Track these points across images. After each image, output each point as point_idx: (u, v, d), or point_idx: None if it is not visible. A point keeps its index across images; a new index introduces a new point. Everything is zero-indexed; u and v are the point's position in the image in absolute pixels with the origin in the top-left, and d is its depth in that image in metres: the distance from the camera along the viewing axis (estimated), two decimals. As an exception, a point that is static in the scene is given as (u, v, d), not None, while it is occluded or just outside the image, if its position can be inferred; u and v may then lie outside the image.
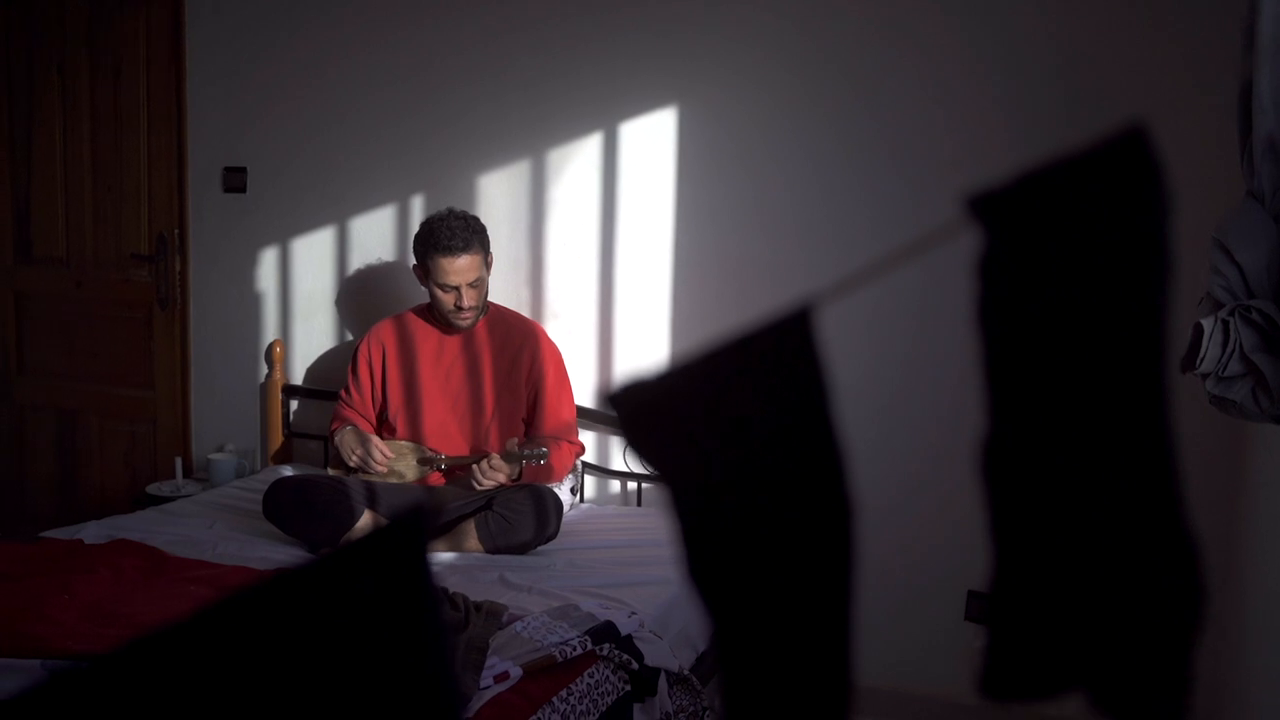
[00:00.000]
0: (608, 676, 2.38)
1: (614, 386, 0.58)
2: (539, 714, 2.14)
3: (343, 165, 3.79)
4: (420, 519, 0.57)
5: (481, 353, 3.30)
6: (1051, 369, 0.54)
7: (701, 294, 3.37)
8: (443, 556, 2.93)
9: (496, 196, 3.60)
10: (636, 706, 2.44)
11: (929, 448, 3.04)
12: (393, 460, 3.23)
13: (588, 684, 2.31)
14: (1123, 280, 0.52)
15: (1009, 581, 0.57)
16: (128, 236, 4.12)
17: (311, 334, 3.92)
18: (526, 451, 3.06)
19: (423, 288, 3.29)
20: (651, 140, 3.39)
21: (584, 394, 3.42)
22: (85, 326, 4.24)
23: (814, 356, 0.56)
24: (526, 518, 2.98)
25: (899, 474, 3.12)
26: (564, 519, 3.10)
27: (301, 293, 3.91)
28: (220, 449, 3.96)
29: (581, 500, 3.53)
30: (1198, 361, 1.91)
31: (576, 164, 3.50)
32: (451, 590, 2.52)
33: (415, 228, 3.33)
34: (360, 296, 3.83)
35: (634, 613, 2.56)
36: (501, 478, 3.10)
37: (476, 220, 3.26)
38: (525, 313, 3.52)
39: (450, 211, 3.24)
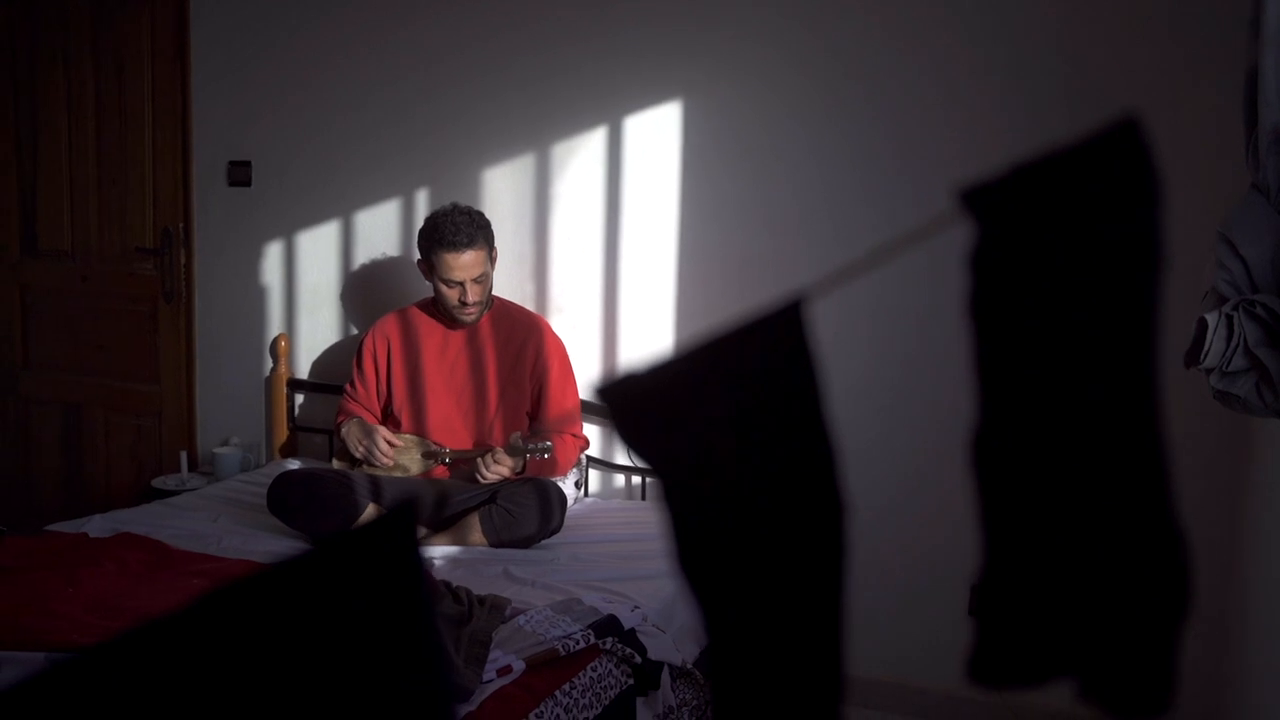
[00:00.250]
0: (610, 670, 2.38)
1: (604, 380, 0.58)
2: (541, 707, 2.14)
3: (347, 160, 3.79)
4: (412, 511, 0.57)
5: (486, 347, 3.31)
6: (1043, 362, 0.54)
7: (705, 289, 3.37)
8: (447, 550, 2.93)
9: (501, 191, 3.60)
10: (639, 700, 2.45)
11: (933, 442, 3.04)
12: (397, 454, 3.23)
13: (590, 678, 2.31)
14: (1115, 273, 0.52)
15: (999, 571, 0.56)
16: (133, 230, 4.12)
17: (316, 328, 3.92)
18: (531, 446, 3.06)
19: (427, 282, 3.29)
20: (656, 135, 3.39)
21: (588, 388, 3.43)
22: (91, 320, 4.25)
23: (806, 350, 0.56)
24: (530, 511, 2.98)
25: (903, 469, 3.13)
26: (568, 513, 3.10)
27: (306, 287, 3.91)
28: (225, 443, 3.97)
29: (585, 494, 3.53)
30: (1202, 356, 1.90)
31: (581, 158, 3.49)
32: (455, 583, 2.52)
33: (420, 222, 3.33)
34: (365, 291, 3.83)
35: (637, 606, 2.56)
36: (505, 472, 3.11)
37: (481, 215, 3.26)
38: (530, 307, 3.52)
39: (455, 207, 3.24)
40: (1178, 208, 2.25)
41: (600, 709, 2.31)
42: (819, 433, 0.56)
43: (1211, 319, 1.89)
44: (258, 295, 3.98)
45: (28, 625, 2.27)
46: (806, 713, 0.59)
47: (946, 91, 3.05)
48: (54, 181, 4.25)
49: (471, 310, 3.22)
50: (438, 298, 3.26)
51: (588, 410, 3.41)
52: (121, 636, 0.56)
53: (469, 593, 2.47)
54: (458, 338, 3.32)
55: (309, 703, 0.55)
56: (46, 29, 4.19)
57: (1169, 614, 0.54)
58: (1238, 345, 1.89)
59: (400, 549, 0.55)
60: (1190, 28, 2.81)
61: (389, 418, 3.36)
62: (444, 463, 3.24)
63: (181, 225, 4.04)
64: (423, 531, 3.05)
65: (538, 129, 3.54)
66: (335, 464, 3.35)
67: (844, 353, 3.15)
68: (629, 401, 0.57)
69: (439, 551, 2.92)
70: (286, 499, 3.02)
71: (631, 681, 2.43)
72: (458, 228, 3.15)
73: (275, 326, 3.96)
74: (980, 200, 0.52)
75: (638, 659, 2.42)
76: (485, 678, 2.13)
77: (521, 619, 2.40)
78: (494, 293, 3.36)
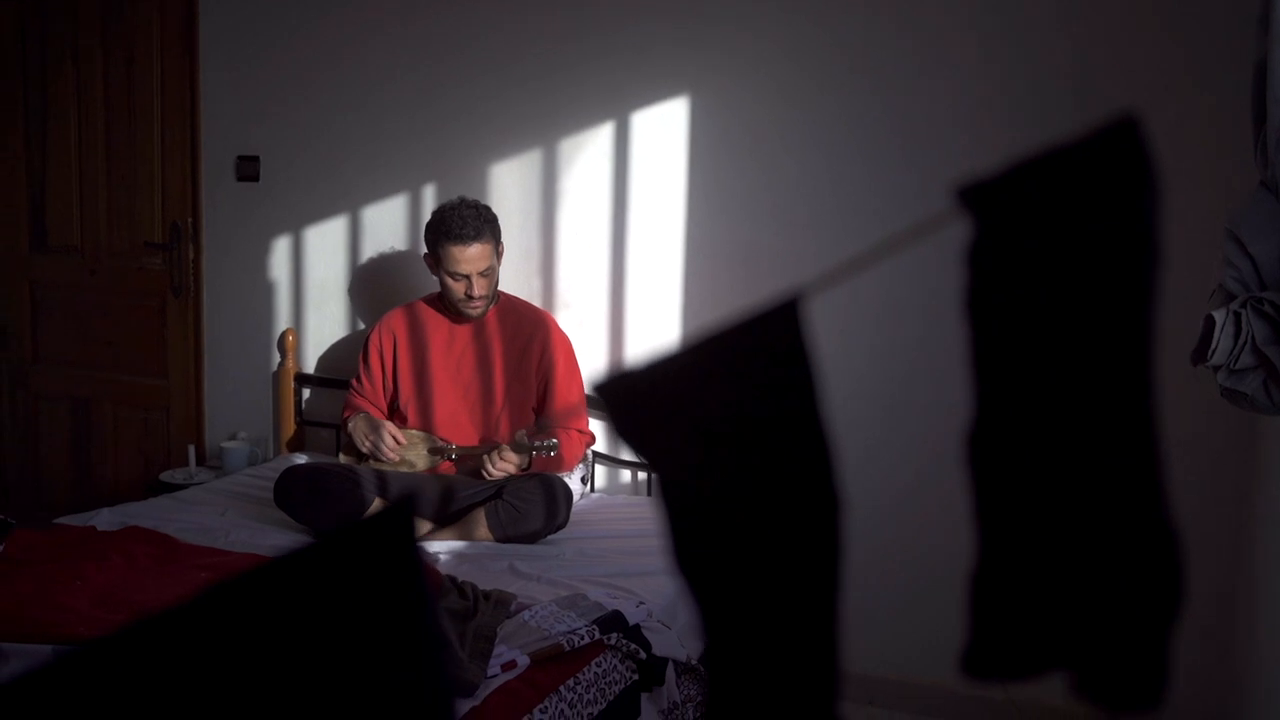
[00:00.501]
0: (615, 666, 2.38)
1: (601, 377, 0.58)
2: (546, 703, 2.14)
3: (355, 155, 3.80)
4: (412, 505, 0.57)
5: (492, 342, 3.31)
6: (1039, 358, 0.54)
7: (712, 284, 3.36)
8: (453, 545, 2.94)
9: (508, 186, 3.60)
10: (644, 696, 2.45)
11: (934, 438, 3.04)
12: (404, 449, 3.23)
13: (595, 673, 2.31)
14: (1112, 270, 0.52)
15: (993, 565, 0.56)
16: (142, 225, 4.13)
17: (324, 323, 3.93)
18: (537, 443, 3.06)
19: (434, 277, 3.29)
20: (663, 130, 3.39)
21: (592, 384, 3.42)
22: (100, 315, 4.26)
23: (802, 346, 0.56)
24: (536, 507, 2.98)
25: (909, 465, 3.12)
26: (574, 508, 3.10)
27: (314, 281, 3.92)
28: (233, 437, 3.98)
29: (592, 490, 3.53)
30: (1209, 354, 1.90)
31: (588, 153, 3.49)
32: (460, 579, 2.53)
33: (427, 217, 3.33)
34: (372, 285, 3.84)
35: (642, 602, 2.56)
36: (511, 468, 3.11)
37: (488, 209, 3.26)
38: (536, 302, 3.52)
39: (462, 200, 3.24)
40: (1184, 205, 2.25)
41: (605, 704, 2.31)
42: (815, 429, 0.56)
43: (1219, 316, 1.88)
44: (265, 290, 3.98)
45: (35, 618, 2.28)
46: (803, 708, 0.59)
47: (954, 86, 3.04)
48: (63, 176, 4.26)
49: (477, 304, 3.22)
50: (444, 292, 3.26)
51: (593, 406, 3.41)
52: (121, 630, 0.56)
53: (474, 588, 2.48)
54: (464, 332, 3.33)
55: (307, 696, 0.55)
56: (56, 24, 4.20)
57: (1162, 609, 0.54)
58: (1245, 343, 1.88)
59: (398, 543, 0.55)
60: (1198, 23, 2.80)
61: (395, 413, 3.36)
62: (450, 458, 3.24)
63: (190, 220, 4.05)
64: (429, 526, 3.06)
65: (545, 124, 3.54)
66: (342, 459, 3.36)
67: (849, 349, 3.15)
68: (626, 398, 0.57)
69: (445, 546, 2.92)
70: (293, 493, 3.02)
71: (636, 677, 2.43)
72: (464, 221, 3.15)
73: (283, 321, 3.97)
74: (978, 197, 0.52)
75: (642, 654, 2.42)
76: (490, 672, 2.13)
77: (526, 614, 2.40)
78: (500, 288, 3.36)
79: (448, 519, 3.05)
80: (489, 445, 3.16)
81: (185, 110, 4.01)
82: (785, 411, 0.57)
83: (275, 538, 2.94)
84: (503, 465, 3.09)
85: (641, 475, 3.52)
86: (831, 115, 3.20)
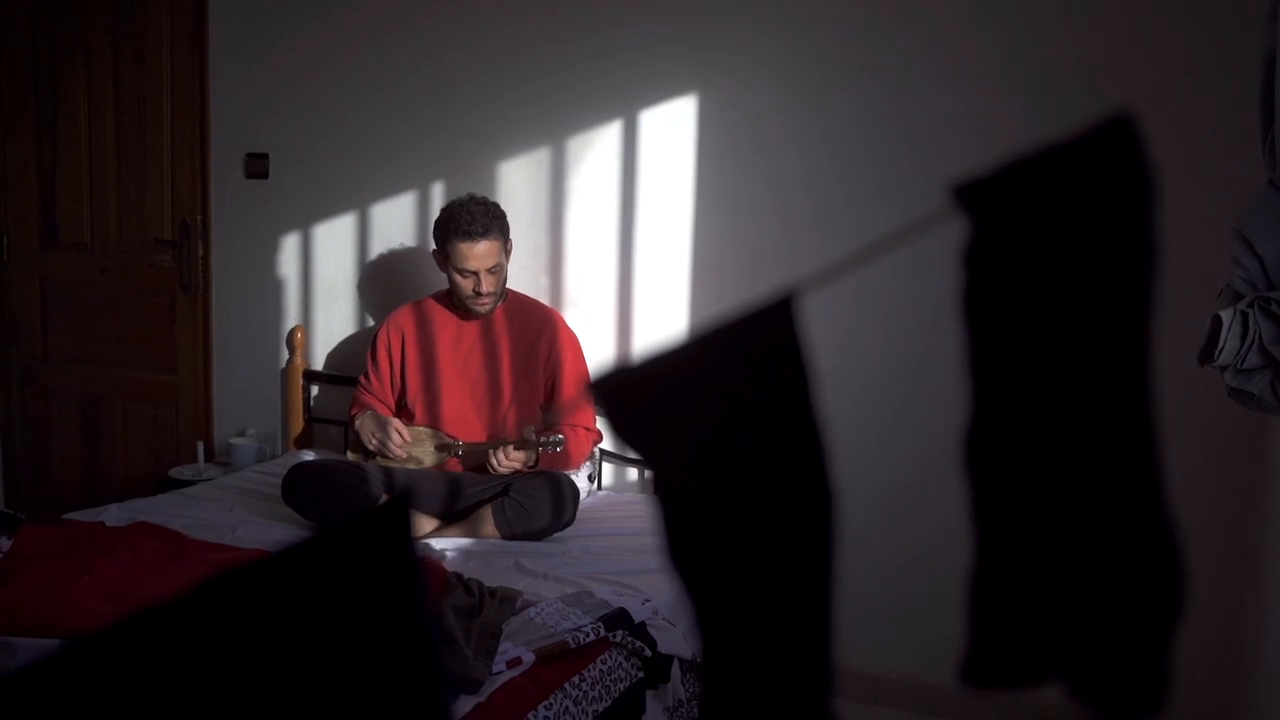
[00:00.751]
0: (620, 663, 2.38)
1: (597, 374, 0.58)
2: (551, 699, 2.15)
3: (364, 152, 3.80)
4: (409, 500, 0.58)
5: (500, 339, 3.31)
6: (1036, 359, 0.54)
7: (720, 282, 3.36)
8: (459, 542, 2.94)
9: (516, 184, 3.60)
10: (649, 694, 2.45)
11: (935, 438, 3.03)
12: (411, 446, 3.24)
13: (600, 670, 2.31)
14: (1108, 269, 0.52)
15: (991, 568, 0.56)
16: (151, 222, 4.14)
17: (332, 319, 3.94)
18: (543, 440, 3.07)
19: (442, 274, 3.30)
20: (671, 128, 3.39)
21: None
22: (109, 311, 4.27)
23: (796, 343, 0.56)
24: (543, 504, 2.98)
25: (914, 461, 3.12)
26: (581, 506, 3.10)
27: (323, 278, 3.93)
28: (242, 433, 3.99)
29: (599, 487, 3.53)
30: (1216, 354, 1.89)
31: (596, 152, 3.49)
32: (466, 575, 2.53)
33: (436, 214, 3.33)
34: (381, 282, 3.84)
35: (648, 600, 2.56)
36: (517, 465, 3.11)
37: (497, 206, 3.26)
38: (544, 300, 3.52)
39: (471, 197, 3.25)
40: (1191, 204, 2.25)
41: (610, 702, 2.31)
42: (809, 425, 0.56)
43: (1226, 316, 1.87)
44: (274, 287, 3.99)
45: (44, 613, 2.29)
46: (797, 703, 0.59)
47: (961, 85, 3.04)
48: (73, 174, 4.28)
49: (486, 301, 3.23)
50: (452, 288, 3.27)
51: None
52: (119, 623, 0.56)
53: (480, 584, 2.48)
54: (472, 329, 3.33)
55: (304, 689, 0.55)
56: (67, 22, 4.21)
57: (1161, 615, 0.54)
58: (1253, 342, 1.88)
59: (395, 537, 0.55)
60: (1204, 21, 2.79)
61: (403, 410, 3.37)
62: (457, 455, 3.24)
63: (199, 217, 4.06)
64: (436, 523, 3.06)
65: (553, 122, 3.54)
66: (350, 456, 3.36)
67: (852, 348, 3.15)
68: (621, 394, 0.57)
69: (451, 544, 2.93)
70: (300, 490, 3.03)
71: (642, 675, 2.43)
72: (473, 217, 3.15)
73: (292, 318, 3.97)
74: (974, 195, 0.52)
75: (648, 652, 2.42)
76: (495, 669, 2.14)
77: (532, 611, 2.40)
78: (509, 285, 3.37)
79: (454, 516, 3.06)
80: (496, 441, 3.17)
81: (195, 108, 4.02)
82: (780, 407, 0.57)
83: (282, 534, 2.95)
84: (509, 462, 3.10)
85: (649, 473, 3.52)
86: (839, 114, 3.19)
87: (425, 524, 3.05)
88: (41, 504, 4.18)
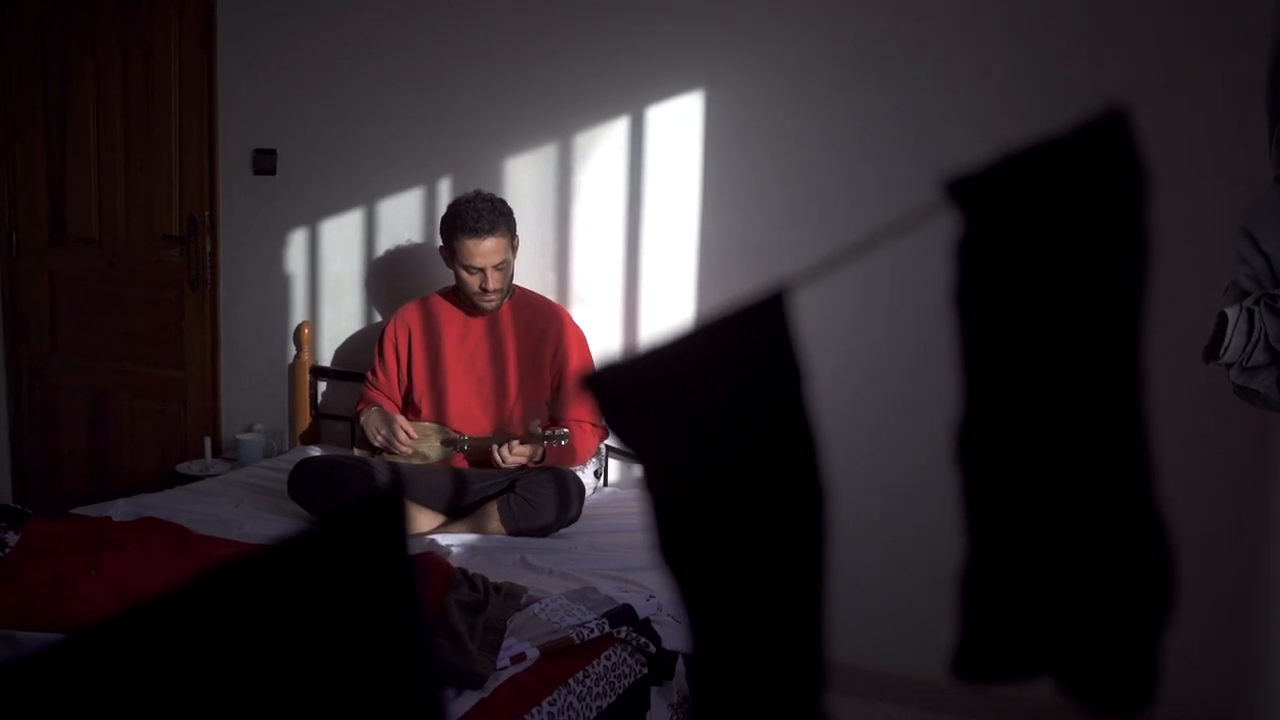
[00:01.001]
0: (625, 659, 2.38)
1: (588, 369, 0.58)
2: (555, 695, 2.15)
3: (371, 148, 3.81)
4: (402, 494, 0.58)
5: (506, 336, 3.32)
6: (1028, 354, 0.54)
7: (727, 279, 3.36)
8: (465, 538, 2.95)
9: (523, 180, 3.60)
10: (654, 690, 2.45)
11: (945, 433, 3.03)
12: (417, 441, 3.24)
13: (604, 666, 2.32)
14: (1101, 265, 0.52)
15: (982, 563, 0.56)
16: (159, 218, 4.16)
17: (339, 316, 3.94)
18: (549, 433, 3.07)
19: (449, 270, 3.30)
20: (678, 124, 3.39)
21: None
22: (117, 307, 4.29)
23: (789, 338, 0.56)
24: (548, 500, 2.99)
25: (915, 460, 3.11)
26: (586, 502, 3.11)
27: (330, 274, 3.94)
28: (249, 429, 4.00)
29: (605, 483, 3.54)
30: (1221, 351, 1.89)
31: (603, 148, 3.49)
32: (471, 571, 2.53)
33: (443, 210, 3.33)
34: (388, 278, 3.85)
35: (652, 596, 2.56)
36: (522, 459, 3.12)
37: (503, 203, 3.27)
38: (551, 296, 3.52)
39: (477, 194, 3.25)
40: (1197, 201, 2.23)
41: (614, 698, 2.31)
42: (801, 421, 0.57)
43: (1232, 314, 1.87)
44: (282, 283, 4.00)
45: (50, 608, 2.30)
46: (788, 699, 0.60)
47: (969, 81, 3.03)
48: (82, 169, 4.29)
49: (492, 297, 3.23)
50: (459, 285, 3.27)
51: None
52: (114, 617, 0.57)
53: (485, 580, 2.48)
54: (478, 326, 3.34)
55: (292, 686, 0.55)
56: (75, 19, 4.23)
57: (1152, 610, 0.54)
58: (1258, 340, 1.87)
59: (386, 530, 0.55)
60: (1209, 18, 2.78)
61: (410, 406, 3.37)
62: (463, 450, 3.25)
63: (207, 213, 4.07)
64: (441, 519, 3.07)
65: (560, 119, 3.54)
66: (356, 451, 3.37)
67: (848, 344, 3.15)
68: (613, 388, 0.57)
69: (457, 539, 2.93)
70: (306, 485, 3.04)
71: (646, 671, 2.43)
72: (480, 214, 3.16)
73: (299, 314, 3.98)
74: (966, 191, 0.52)
75: (652, 648, 2.43)
76: (499, 665, 2.13)
77: (536, 607, 2.41)
78: (515, 282, 3.37)
79: (460, 512, 3.06)
80: (502, 436, 3.17)
81: (202, 104, 4.03)
82: (771, 403, 0.57)
83: (288, 529, 2.95)
84: (513, 458, 3.10)
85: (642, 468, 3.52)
86: (846, 110, 3.19)
87: (431, 520, 3.06)
88: (49, 499, 4.20)
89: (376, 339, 3.49)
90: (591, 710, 2.23)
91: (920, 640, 3.13)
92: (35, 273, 4.44)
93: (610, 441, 3.50)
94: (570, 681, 2.21)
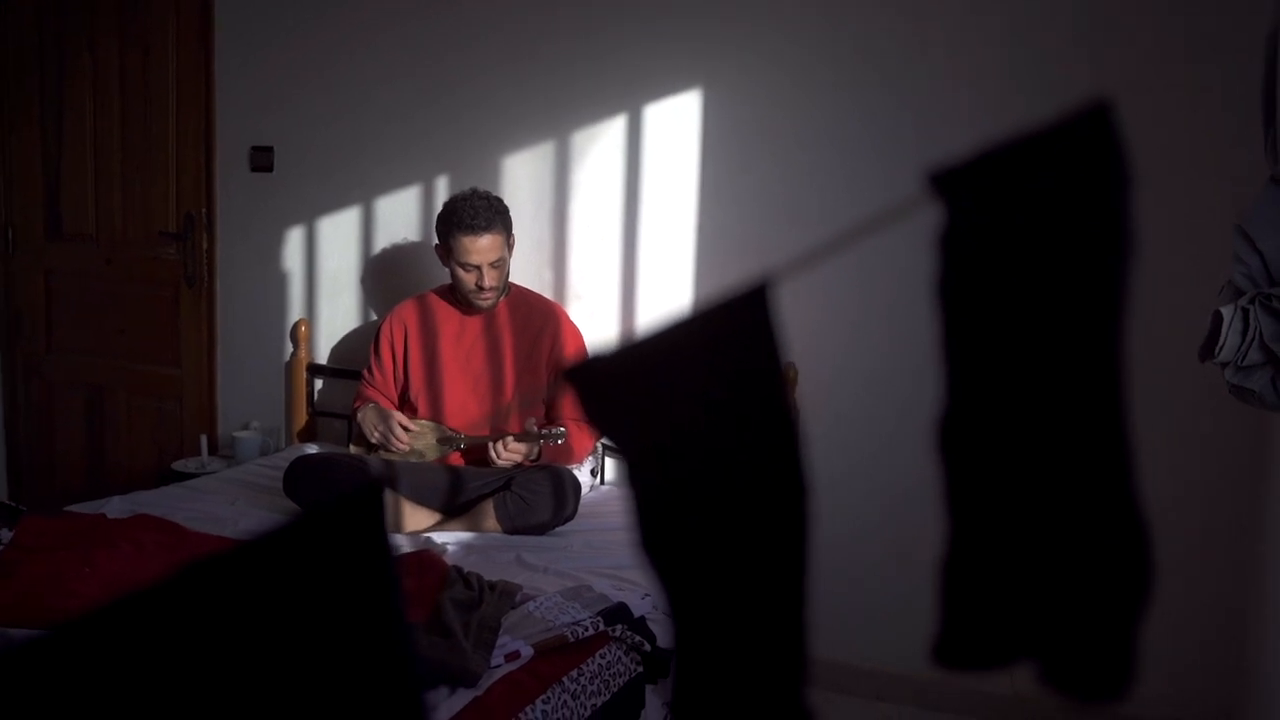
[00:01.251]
0: (620, 657, 2.38)
1: (568, 363, 0.58)
2: (549, 693, 2.14)
3: (369, 146, 3.80)
4: (382, 488, 0.57)
5: (502, 333, 3.31)
6: (1009, 346, 0.53)
7: (724, 277, 3.35)
8: (460, 536, 2.94)
9: (521, 178, 3.60)
10: (649, 688, 2.45)
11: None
12: (413, 439, 3.24)
13: (599, 664, 2.31)
14: (1083, 257, 0.51)
15: (963, 552, 0.56)
16: (156, 214, 4.15)
17: (336, 313, 3.94)
18: (544, 431, 3.07)
19: (446, 268, 3.30)
20: (676, 123, 3.38)
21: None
22: (114, 304, 4.28)
23: (771, 332, 0.56)
24: (544, 499, 2.98)
25: (916, 458, 3.11)
26: (583, 500, 3.10)
27: (327, 272, 3.93)
28: (245, 427, 4.00)
29: (602, 482, 3.53)
30: (1217, 350, 1.88)
31: (601, 146, 3.49)
32: (466, 569, 2.53)
33: (440, 208, 3.33)
34: (385, 276, 3.85)
35: (648, 594, 2.56)
36: (518, 457, 3.11)
37: (500, 201, 3.26)
38: (548, 294, 3.52)
39: (474, 191, 3.25)
40: (1193, 200, 2.23)
41: (609, 696, 2.31)
42: (782, 413, 0.56)
43: (1227, 312, 1.87)
44: (279, 280, 4.00)
45: (45, 605, 2.30)
46: (771, 693, 0.59)
47: (968, 81, 3.03)
48: (78, 165, 4.29)
49: (488, 295, 3.23)
50: (455, 283, 3.27)
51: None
52: (92, 612, 0.56)
53: (480, 578, 2.48)
54: (475, 324, 3.33)
55: (274, 672, 0.55)
56: (73, 14, 4.22)
57: (1130, 599, 0.53)
58: (1253, 339, 1.87)
59: (366, 524, 0.55)
60: (1207, 17, 2.78)
61: (406, 404, 3.37)
62: (459, 448, 3.24)
63: (204, 210, 4.06)
64: (437, 517, 3.07)
65: (558, 116, 3.54)
66: (352, 449, 3.37)
67: (858, 335, 3.15)
68: (594, 381, 0.57)
69: (453, 537, 2.93)
70: (302, 483, 3.03)
71: (641, 669, 2.43)
72: (476, 211, 3.15)
73: (296, 311, 3.98)
74: (950, 183, 0.52)
75: (647, 646, 2.42)
76: (493, 663, 2.13)
77: (531, 605, 2.40)
78: (512, 280, 3.37)
79: (456, 510, 3.06)
80: (498, 434, 3.17)
81: (200, 101, 4.02)
82: (752, 396, 0.57)
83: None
84: (509, 455, 3.09)
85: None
86: (844, 109, 3.19)
87: (427, 517, 3.05)
88: (45, 496, 4.20)
89: (373, 337, 3.48)
90: (586, 708, 2.23)
91: (921, 640, 3.13)
92: (31, 269, 4.43)
93: (608, 440, 3.48)
94: (564, 680, 2.20)
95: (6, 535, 2.73)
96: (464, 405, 3.29)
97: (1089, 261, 0.51)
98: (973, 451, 0.55)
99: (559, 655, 2.25)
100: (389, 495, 3.01)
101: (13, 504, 2.99)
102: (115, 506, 3.06)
